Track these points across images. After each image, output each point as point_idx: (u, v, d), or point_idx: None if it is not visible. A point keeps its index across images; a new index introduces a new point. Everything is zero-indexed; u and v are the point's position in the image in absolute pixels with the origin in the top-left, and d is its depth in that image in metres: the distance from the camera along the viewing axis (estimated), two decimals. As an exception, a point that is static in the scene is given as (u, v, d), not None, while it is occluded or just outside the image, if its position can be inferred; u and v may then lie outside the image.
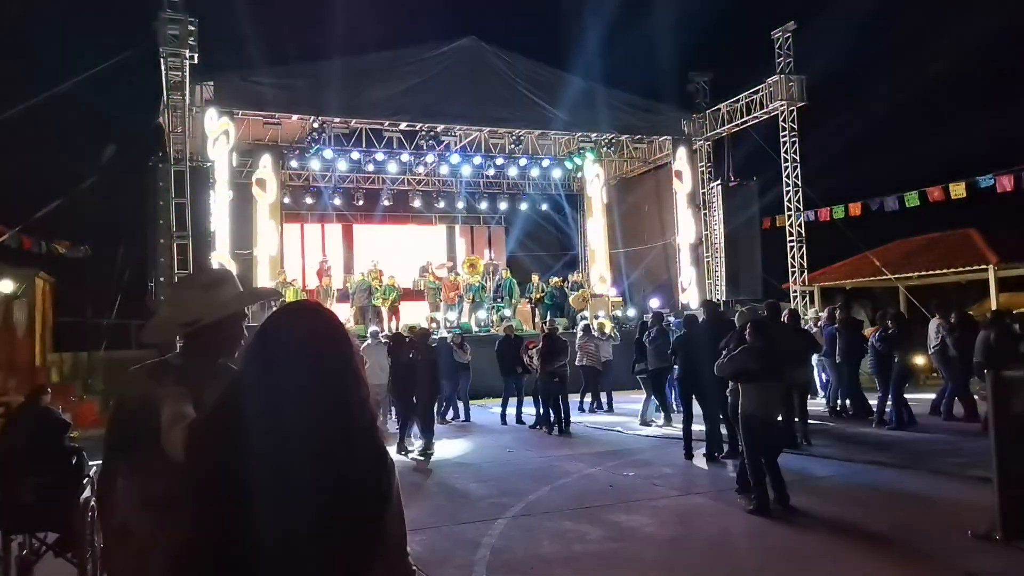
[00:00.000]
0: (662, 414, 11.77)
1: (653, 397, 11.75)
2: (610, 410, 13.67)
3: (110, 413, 2.39)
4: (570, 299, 19.33)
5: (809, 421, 10.03)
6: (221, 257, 15.23)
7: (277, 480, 1.50)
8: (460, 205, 22.38)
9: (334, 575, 1.54)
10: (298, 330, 1.65)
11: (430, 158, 19.03)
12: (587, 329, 13.86)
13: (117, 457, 2.25)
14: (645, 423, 11.78)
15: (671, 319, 14.44)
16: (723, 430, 8.66)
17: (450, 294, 17.91)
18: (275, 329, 1.66)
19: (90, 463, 4.98)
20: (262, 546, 1.48)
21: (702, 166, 19.94)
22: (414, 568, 1.77)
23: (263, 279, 16.55)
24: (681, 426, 9.26)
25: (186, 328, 2.29)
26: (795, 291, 18.01)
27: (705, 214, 19.66)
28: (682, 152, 19.43)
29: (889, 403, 10.81)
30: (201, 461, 1.64)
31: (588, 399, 13.85)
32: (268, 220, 17.00)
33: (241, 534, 1.49)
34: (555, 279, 19.57)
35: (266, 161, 17.03)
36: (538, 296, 18.95)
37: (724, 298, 18.96)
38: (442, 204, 22.31)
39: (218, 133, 15.47)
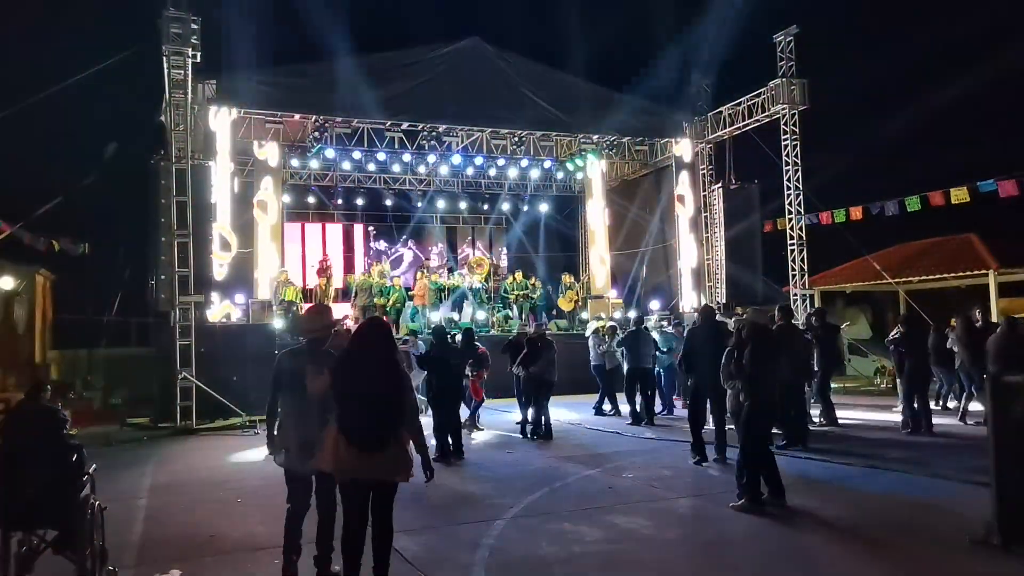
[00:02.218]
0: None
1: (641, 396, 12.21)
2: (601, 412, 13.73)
3: (274, 371, 5.08)
4: (559, 301, 19.35)
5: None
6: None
7: (370, 379, 4.41)
8: (462, 206, 22.38)
9: (395, 406, 4.42)
10: (374, 327, 4.75)
11: (432, 158, 19.04)
12: (612, 330, 13.77)
13: (276, 391, 5.07)
14: (643, 422, 12.10)
15: (664, 323, 14.57)
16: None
17: (417, 296, 17.83)
18: (364, 327, 4.79)
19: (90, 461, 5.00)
20: (364, 402, 4.37)
21: (703, 168, 19.93)
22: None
23: (263, 292, 16.79)
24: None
25: (310, 333, 5.17)
26: (795, 294, 18.00)
27: (706, 216, 19.65)
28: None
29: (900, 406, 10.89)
30: (339, 379, 4.42)
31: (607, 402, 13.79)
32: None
33: (355, 402, 4.39)
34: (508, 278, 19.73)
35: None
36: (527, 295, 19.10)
37: (724, 300, 18.97)
38: (443, 204, 22.32)
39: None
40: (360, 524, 4.50)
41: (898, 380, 11.93)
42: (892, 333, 11.59)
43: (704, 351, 8.63)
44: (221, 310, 15.06)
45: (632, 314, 15.88)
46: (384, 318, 11.68)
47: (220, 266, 15.14)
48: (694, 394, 9.01)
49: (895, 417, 11.49)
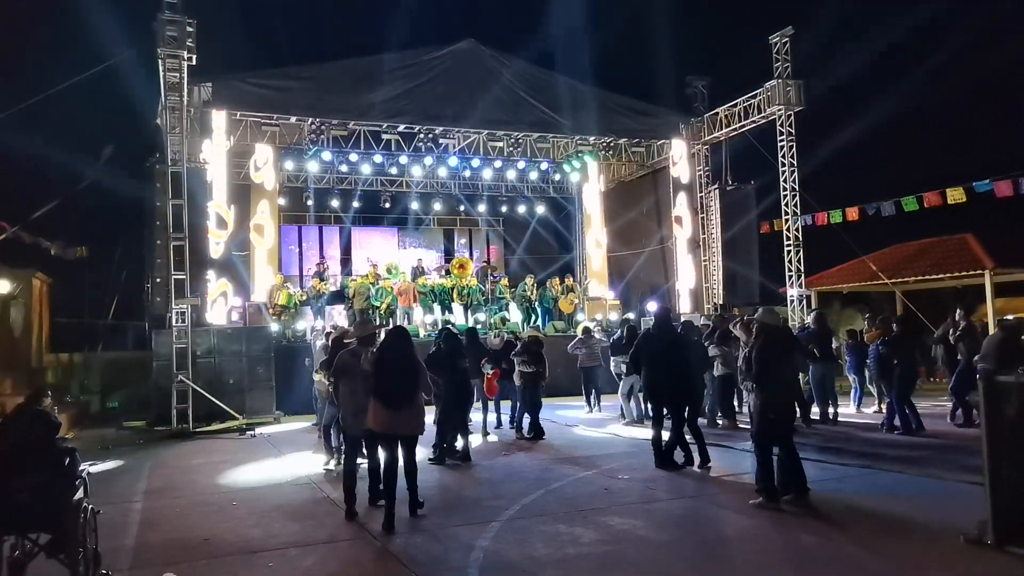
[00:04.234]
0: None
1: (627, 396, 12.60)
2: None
3: (336, 366, 7.09)
4: (560, 302, 19.37)
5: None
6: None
7: (396, 366, 6.53)
8: (459, 208, 22.39)
9: (413, 382, 6.55)
10: (398, 333, 7.00)
11: (428, 160, 19.05)
12: (588, 331, 13.97)
13: (338, 379, 7.05)
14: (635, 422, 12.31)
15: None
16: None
17: (402, 299, 17.69)
18: (391, 333, 7.07)
19: (82, 464, 5.00)
20: (392, 380, 6.47)
21: (700, 170, 19.96)
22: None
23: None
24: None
25: (361, 335, 7.30)
26: (792, 295, 18.02)
27: (703, 217, 19.68)
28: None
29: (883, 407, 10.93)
30: (376, 367, 6.55)
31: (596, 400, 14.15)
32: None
33: (386, 381, 6.47)
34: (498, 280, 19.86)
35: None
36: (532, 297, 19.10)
37: (721, 302, 18.99)
38: (440, 207, 22.33)
39: None
40: (394, 464, 6.53)
41: (876, 382, 12.13)
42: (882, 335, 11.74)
43: (658, 355, 8.54)
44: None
45: (637, 314, 16.04)
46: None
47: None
48: (651, 397, 8.93)
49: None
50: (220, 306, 14.94)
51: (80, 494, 4.82)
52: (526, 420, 11.36)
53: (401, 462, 6.57)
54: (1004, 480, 5.37)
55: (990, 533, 5.34)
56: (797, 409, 7.17)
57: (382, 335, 7.40)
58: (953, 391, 11.62)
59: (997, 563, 5.13)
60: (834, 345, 13.54)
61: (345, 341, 8.03)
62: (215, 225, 14.99)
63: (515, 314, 19.23)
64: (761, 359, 6.94)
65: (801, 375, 12.06)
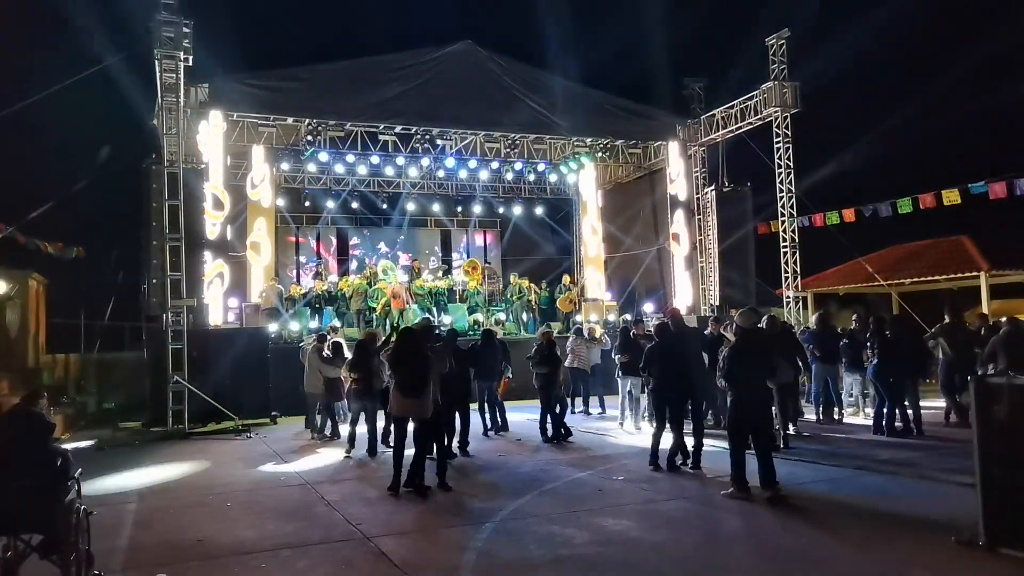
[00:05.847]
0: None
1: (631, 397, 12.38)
2: (602, 412, 13.92)
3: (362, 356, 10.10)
4: (557, 302, 19.39)
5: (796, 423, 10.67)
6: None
7: (412, 361, 7.89)
8: (456, 209, 22.40)
9: (425, 373, 7.86)
10: (412, 333, 8.60)
11: (425, 161, 19.05)
12: (579, 332, 13.95)
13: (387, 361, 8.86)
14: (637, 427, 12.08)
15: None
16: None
17: (395, 301, 17.50)
18: (407, 332, 8.73)
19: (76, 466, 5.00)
20: (408, 371, 7.87)
21: (696, 171, 19.96)
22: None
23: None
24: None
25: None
26: (788, 297, 18.03)
27: (699, 219, 19.68)
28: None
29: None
30: (393, 361, 8.17)
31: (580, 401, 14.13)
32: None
33: (406, 371, 7.87)
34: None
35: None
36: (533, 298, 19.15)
37: (718, 303, 18.99)
38: (437, 208, 22.34)
39: None
40: (404, 443, 7.93)
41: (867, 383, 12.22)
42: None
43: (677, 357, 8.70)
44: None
45: (634, 315, 16.04)
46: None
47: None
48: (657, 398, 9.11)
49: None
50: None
51: (73, 495, 4.82)
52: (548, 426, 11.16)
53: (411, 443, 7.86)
54: (995, 482, 5.39)
55: (982, 535, 5.36)
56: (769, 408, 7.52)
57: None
58: (944, 389, 11.65)
59: (989, 565, 5.14)
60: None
61: None
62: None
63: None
64: (731, 359, 7.35)
65: (805, 376, 12.22)
